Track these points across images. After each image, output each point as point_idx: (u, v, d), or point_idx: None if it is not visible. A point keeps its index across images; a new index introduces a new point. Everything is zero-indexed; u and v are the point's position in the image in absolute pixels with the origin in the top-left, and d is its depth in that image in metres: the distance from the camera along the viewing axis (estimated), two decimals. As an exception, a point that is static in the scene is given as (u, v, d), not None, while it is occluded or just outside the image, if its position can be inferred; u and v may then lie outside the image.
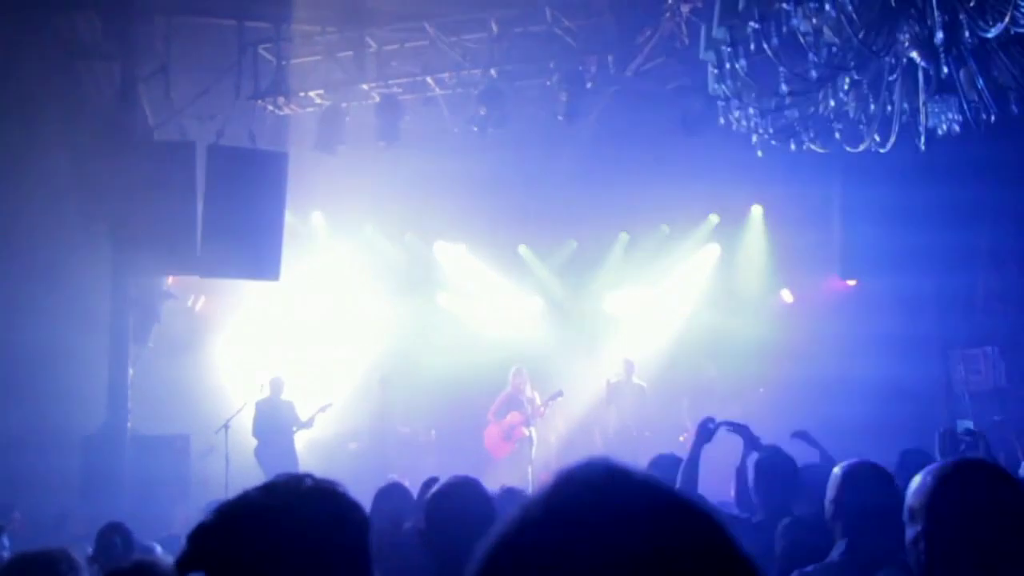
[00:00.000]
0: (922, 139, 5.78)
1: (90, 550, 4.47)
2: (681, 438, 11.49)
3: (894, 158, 8.61)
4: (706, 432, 4.44)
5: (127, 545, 4.43)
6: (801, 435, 5.35)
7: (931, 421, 10.71)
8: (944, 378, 11.03)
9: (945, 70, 4.78)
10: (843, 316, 12.12)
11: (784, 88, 5.19)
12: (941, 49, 4.55)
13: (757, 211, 13.07)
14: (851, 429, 10.59)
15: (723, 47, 5.11)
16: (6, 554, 4.51)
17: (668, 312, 13.50)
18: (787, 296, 13.24)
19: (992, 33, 4.65)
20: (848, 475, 2.90)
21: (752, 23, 4.89)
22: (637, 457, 11.09)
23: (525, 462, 11.40)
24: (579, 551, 0.79)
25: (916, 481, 2.10)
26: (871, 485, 2.87)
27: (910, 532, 2.07)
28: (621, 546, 0.79)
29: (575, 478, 0.87)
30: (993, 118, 5.60)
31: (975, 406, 10.57)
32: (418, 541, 2.95)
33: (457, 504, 2.86)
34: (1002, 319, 10.86)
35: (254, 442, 10.06)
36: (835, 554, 2.85)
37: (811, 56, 5.03)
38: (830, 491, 2.88)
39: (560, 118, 9.23)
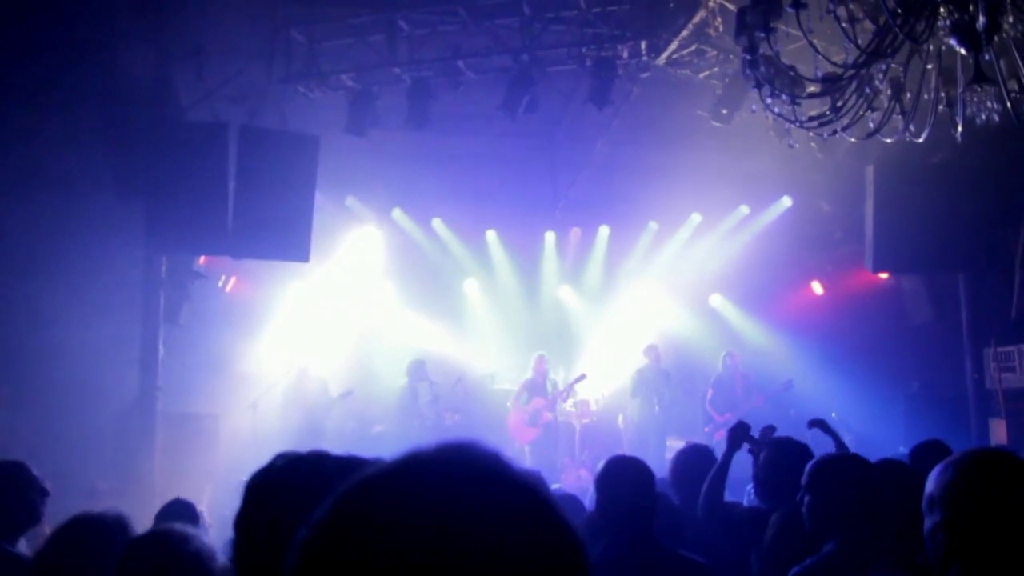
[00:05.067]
0: (959, 130, 5.67)
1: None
2: (706, 429, 11.45)
3: (929, 149, 8.50)
4: (737, 440, 4.39)
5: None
6: (818, 423, 5.30)
7: (962, 418, 10.60)
8: (976, 375, 10.86)
9: (986, 58, 4.67)
10: (874, 310, 11.99)
11: (818, 74, 5.11)
12: (984, 36, 4.45)
13: (787, 202, 12.95)
14: (879, 425, 10.52)
15: (757, 33, 5.04)
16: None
17: (696, 301, 13.44)
18: (817, 288, 13.12)
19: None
20: (820, 469, 2.94)
21: (788, 7, 4.83)
22: (662, 442, 11.14)
23: (550, 447, 11.44)
24: (415, 538, 0.78)
25: (936, 471, 2.06)
26: (845, 478, 2.91)
27: (928, 522, 2.04)
28: (453, 540, 0.77)
29: (432, 459, 0.85)
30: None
31: (1007, 404, 10.41)
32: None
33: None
34: (1038, 317, 10.65)
35: (282, 421, 10.16)
36: (826, 549, 2.88)
37: (847, 43, 4.96)
38: (809, 487, 2.93)
39: (591, 104, 9.17)
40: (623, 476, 3.23)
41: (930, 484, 2.06)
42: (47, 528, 3.88)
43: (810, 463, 3.09)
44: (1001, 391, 10.54)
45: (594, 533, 3.30)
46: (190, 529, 2.75)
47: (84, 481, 8.29)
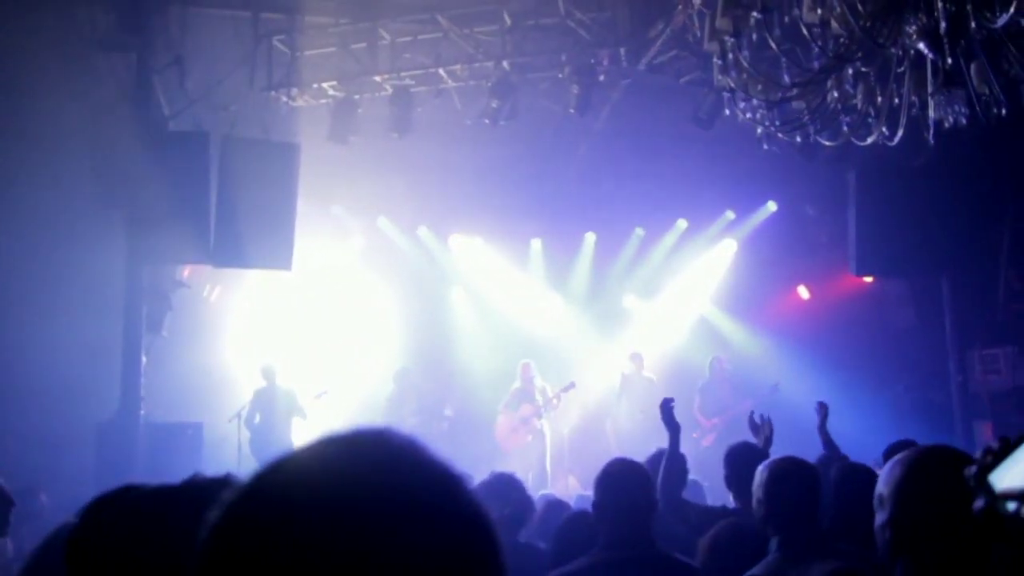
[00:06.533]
0: (930, 132, 5.70)
1: None
2: (694, 435, 11.45)
3: (910, 152, 8.55)
4: (670, 421, 4.53)
5: None
6: (820, 409, 5.48)
7: (947, 421, 10.63)
8: (960, 377, 10.89)
9: (951, 62, 4.70)
10: (859, 313, 12.03)
11: (787, 79, 5.14)
12: (945, 40, 4.48)
13: (771, 207, 12.99)
14: (865, 428, 10.53)
15: (726, 37, 5.07)
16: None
17: (683, 307, 13.46)
18: (804, 293, 13.14)
19: (999, 23, 4.58)
20: (772, 472, 3.01)
21: (755, 13, 4.86)
22: (649, 449, 11.10)
23: (537, 454, 11.43)
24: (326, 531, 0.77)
25: (886, 469, 2.08)
26: (795, 481, 2.99)
27: (879, 518, 2.06)
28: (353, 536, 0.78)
29: (345, 444, 0.85)
30: (1004, 112, 5.52)
31: (993, 406, 10.45)
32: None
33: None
34: (1023, 319, 10.70)
35: (248, 432, 10.10)
36: (770, 551, 2.94)
37: (815, 47, 4.99)
38: (756, 489, 3.00)
39: (572, 111, 9.21)
40: (622, 478, 3.28)
41: (880, 482, 2.07)
42: (8, 541, 3.89)
43: (760, 465, 3.14)
44: (987, 393, 10.59)
45: (589, 532, 3.32)
46: None
47: (67, 490, 8.26)
